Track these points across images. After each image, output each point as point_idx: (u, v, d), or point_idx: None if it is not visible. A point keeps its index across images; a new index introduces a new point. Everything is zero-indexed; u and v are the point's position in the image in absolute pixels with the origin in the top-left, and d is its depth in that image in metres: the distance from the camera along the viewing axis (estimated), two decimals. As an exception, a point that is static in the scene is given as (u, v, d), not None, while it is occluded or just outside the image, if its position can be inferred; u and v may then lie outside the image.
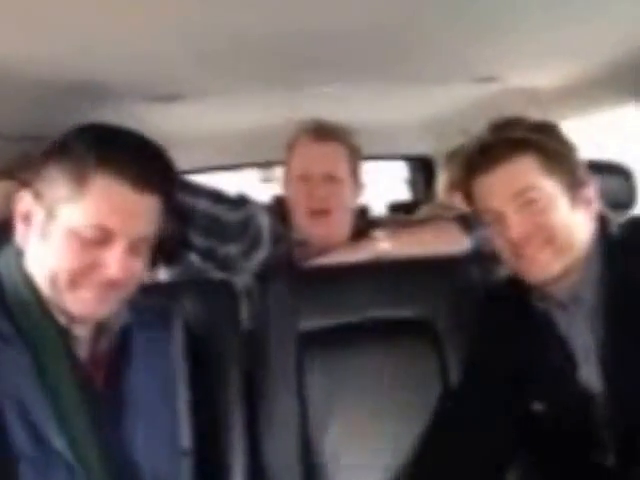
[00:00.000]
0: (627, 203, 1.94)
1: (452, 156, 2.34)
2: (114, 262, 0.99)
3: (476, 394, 1.28)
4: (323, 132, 1.66)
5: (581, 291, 1.19)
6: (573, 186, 1.18)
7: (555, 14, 1.40)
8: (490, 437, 1.22)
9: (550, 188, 1.16)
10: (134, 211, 1.01)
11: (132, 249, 1.01)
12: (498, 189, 1.18)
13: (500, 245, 1.22)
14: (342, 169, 1.65)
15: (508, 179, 1.17)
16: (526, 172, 1.17)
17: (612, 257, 1.18)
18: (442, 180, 2.40)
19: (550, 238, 1.16)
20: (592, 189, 1.21)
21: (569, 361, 1.19)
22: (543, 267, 1.17)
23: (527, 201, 1.16)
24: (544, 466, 1.23)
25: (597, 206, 1.21)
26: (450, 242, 1.57)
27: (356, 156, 1.70)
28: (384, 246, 1.56)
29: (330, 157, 1.65)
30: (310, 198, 1.62)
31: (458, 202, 2.22)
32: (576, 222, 1.18)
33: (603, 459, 1.15)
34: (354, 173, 1.69)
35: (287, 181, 1.70)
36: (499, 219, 1.19)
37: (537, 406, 1.21)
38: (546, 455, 1.22)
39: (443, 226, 1.67)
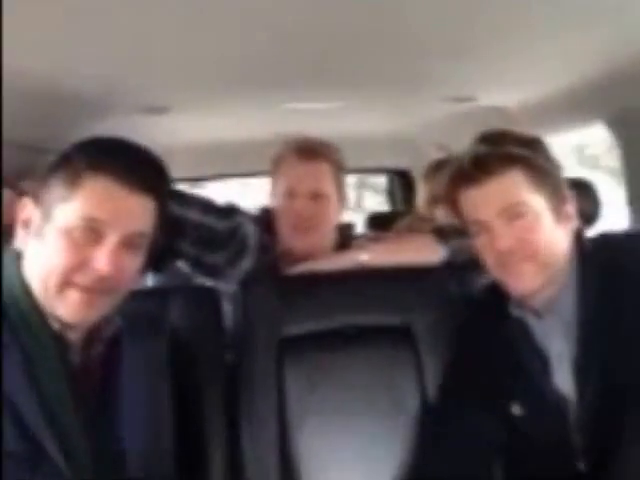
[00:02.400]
0: (593, 217, 1.98)
1: (435, 169, 2.35)
2: (103, 257, 0.98)
3: (457, 398, 1.29)
4: (308, 150, 1.67)
5: (557, 302, 1.20)
6: (557, 202, 1.19)
7: (530, 36, 1.43)
8: (473, 440, 1.23)
9: (537, 204, 1.17)
10: (123, 206, 1.00)
11: (124, 246, 1.01)
12: (487, 202, 1.18)
13: (485, 256, 1.22)
14: (327, 186, 1.66)
15: (497, 193, 1.17)
16: (515, 187, 1.17)
17: (586, 271, 1.20)
18: (423, 193, 2.41)
19: (533, 254, 1.16)
20: (572, 205, 1.22)
21: (544, 367, 1.20)
22: (525, 282, 1.18)
23: (514, 215, 1.17)
24: (520, 470, 1.24)
25: (576, 222, 1.23)
26: (426, 253, 1.59)
27: (340, 172, 1.71)
28: (363, 256, 1.58)
29: (315, 175, 1.65)
30: (296, 215, 1.63)
31: (440, 214, 2.26)
32: (558, 237, 1.19)
33: (575, 464, 1.16)
34: (338, 189, 1.70)
35: (273, 195, 1.71)
36: (486, 231, 1.19)
37: (515, 410, 1.21)
38: (522, 459, 1.23)
39: (419, 238, 1.69)
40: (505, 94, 2.05)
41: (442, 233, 1.62)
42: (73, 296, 0.99)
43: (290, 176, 1.67)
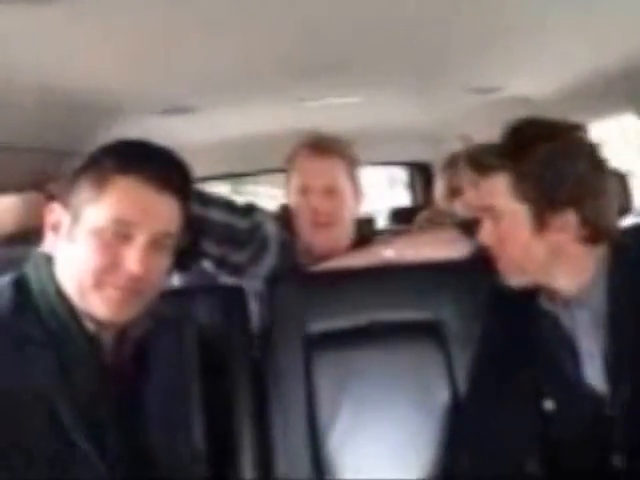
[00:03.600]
0: (624, 207, 1.93)
1: (452, 162, 2.33)
2: (134, 257, 0.99)
3: (488, 394, 1.29)
4: (321, 146, 1.67)
5: (588, 295, 1.19)
6: (544, 210, 1.16)
7: (553, 26, 1.40)
8: (505, 436, 1.22)
9: (515, 211, 1.18)
10: (151, 207, 1.02)
11: (153, 245, 1.02)
12: (478, 197, 1.28)
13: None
14: (341, 181, 1.66)
15: (483, 194, 1.25)
16: (495, 192, 1.21)
17: (617, 263, 1.18)
18: (440, 186, 2.38)
19: (506, 254, 1.22)
20: (573, 216, 1.16)
21: (575, 361, 1.20)
22: (504, 275, 1.25)
23: (493, 217, 1.23)
24: (555, 465, 1.22)
25: (576, 233, 1.17)
26: (452, 248, 1.57)
27: (354, 167, 1.71)
28: (388, 253, 1.56)
29: (329, 171, 1.66)
30: (312, 211, 1.63)
31: (458, 208, 2.23)
32: (534, 245, 1.18)
33: (610, 459, 1.14)
34: (353, 183, 1.70)
35: (289, 193, 1.71)
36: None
37: (548, 405, 1.21)
38: (556, 454, 1.21)
39: (444, 233, 1.67)
40: (530, 84, 2.02)
41: (467, 227, 1.60)
42: (109, 294, 1.00)
43: (304, 173, 1.67)
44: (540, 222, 1.17)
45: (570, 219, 1.16)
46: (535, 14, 1.33)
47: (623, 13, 1.30)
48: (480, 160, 1.24)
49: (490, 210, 1.23)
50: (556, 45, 1.56)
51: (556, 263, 1.19)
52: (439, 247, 1.58)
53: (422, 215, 2.35)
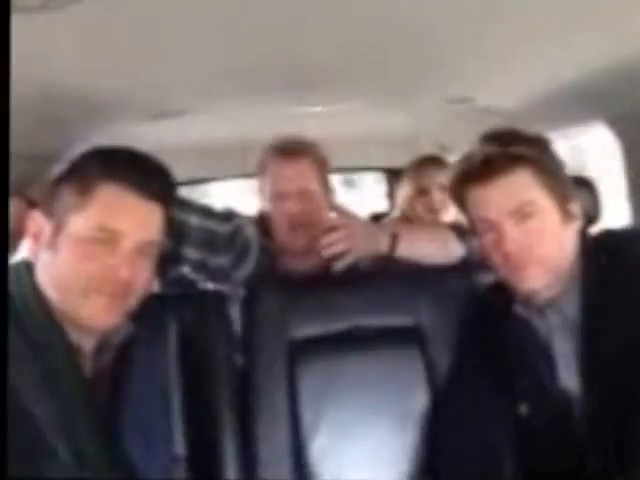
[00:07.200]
0: (594, 216, 1.95)
1: (419, 164, 2.35)
2: (121, 264, 0.99)
3: (464, 399, 1.29)
4: (291, 150, 1.66)
5: (561, 300, 1.20)
6: (563, 201, 1.18)
7: (525, 38, 1.42)
8: (482, 441, 1.22)
9: (545, 203, 1.17)
10: (137, 215, 1.01)
11: (140, 253, 1.01)
12: (497, 201, 1.17)
13: (491, 254, 1.21)
14: (314, 182, 1.65)
15: (507, 192, 1.17)
16: (524, 186, 1.16)
17: (590, 269, 1.19)
18: (406, 187, 2.38)
19: (540, 257, 1.16)
20: (577, 204, 1.21)
21: (549, 366, 1.20)
22: (531, 282, 1.18)
23: (524, 215, 1.16)
24: (529, 469, 1.22)
25: (581, 220, 1.22)
26: (451, 246, 1.52)
27: (324, 166, 1.70)
28: (399, 230, 1.50)
29: (301, 174, 1.64)
30: (287, 216, 1.62)
31: (420, 211, 2.24)
32: (564, 238, 1.19)
33: (583, 462, 1.14)
34: (325, 184, 1.69)
35: (263, 199, 1.70)
36: (494, 230, 1.18)
37: (522, 410, 1.21)
38: (531, 458, 1.21)
39: (443, 229, 1.63)
40: (503, 94, 2.04)
41: (460, 230, 1.57)
42: (97, 301, 0.99)
43: (276, 178, 1.66)
44: (562, 211, 1.17)
45: (576, 207, 1.20)
46: (509, 26, 1.34)
47: (592, 24, 1.31)
48: (508, 153, 1.16)
49: (519, 209, 1.15)
50: (529, 56, 1.57)
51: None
52: (440, 243, 1.53)
53: (388, 221, 2.36)
